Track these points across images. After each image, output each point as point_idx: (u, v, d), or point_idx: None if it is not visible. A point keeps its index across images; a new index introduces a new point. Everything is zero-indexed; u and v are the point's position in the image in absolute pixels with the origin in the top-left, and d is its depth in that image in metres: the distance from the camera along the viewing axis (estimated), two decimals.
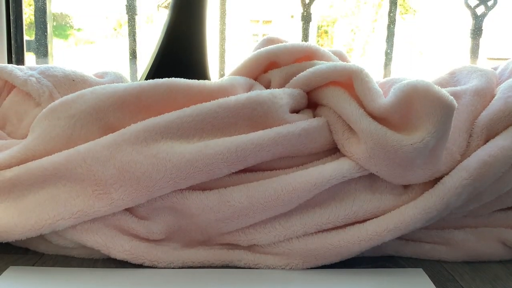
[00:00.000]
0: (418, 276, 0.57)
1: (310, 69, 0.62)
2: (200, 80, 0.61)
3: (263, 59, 0.66)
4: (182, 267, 0.58)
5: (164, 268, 0.58)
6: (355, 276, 0.57)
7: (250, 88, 0.65)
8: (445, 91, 0.54)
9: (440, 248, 0.62)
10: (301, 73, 0.62)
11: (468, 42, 1.05)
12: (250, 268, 0.59)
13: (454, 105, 0.54)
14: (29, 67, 0.67)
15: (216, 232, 0.59)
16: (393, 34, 1.04)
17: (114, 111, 0.58)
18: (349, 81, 0.60)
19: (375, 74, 1.12)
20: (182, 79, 0.60)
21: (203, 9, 0.76)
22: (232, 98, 0.59)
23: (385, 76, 1.07)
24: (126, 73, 1.07)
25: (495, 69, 0.71)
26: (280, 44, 0.66)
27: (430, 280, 0.56)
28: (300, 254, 0.58)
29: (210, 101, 0.59)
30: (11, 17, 0.89)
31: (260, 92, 0.60)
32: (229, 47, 1.10)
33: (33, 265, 0.57)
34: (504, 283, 0.56)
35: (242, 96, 0.59)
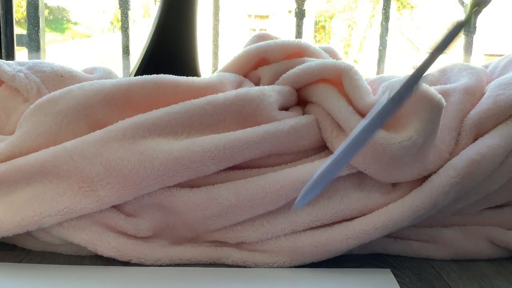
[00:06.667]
0: (385, 277, 0.57)
1: (300, 66, 0.62)
2: (189, 77, 0.61)
3: (253, 56, 0.65)
4: (170, 265, 0.58)
5: (152, 265, 0.58)
6: (341, 276, 0.57)
7: (239, 85, 0.64)
8: (433, 90, 0.54)
9: (428, 246, 0.62)
10: (291, 70, 0.62)
11: (462, 38, 1.04)
12: (237, 265, 0.59)
13: (443, 104, 0.54)
14: (17, 62, 0.67)
15: (204, 230, 0.59)
16: (387, 31, 1.04)
17: (102, 107, 0.58)
18: (339, 79, 0.60)
19: (372, 70, 1.12)
20: (171, 75, 0.60)
21: (194, 4, 0.75)
22: (220, 95, 0.58)
23: (378, 72, 1.07)
24: (119, 68, 1.07)
25: (486, 67, 0.71)
26: (270, 40, 0.66)
27: (396, 281, 0.55)
28: (288, 251, 0.58)
29: (198, 98, 0.58)
30: (1, 12, 0.89)
31: (249, 89, 0.59)
32: (225, 42, 1.09)
33: (20, 262, 0.57)
34: (491, 281, 0.56)
35: (231, 93, 0.59)
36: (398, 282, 0.55)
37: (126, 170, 0.54)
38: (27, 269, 0.55)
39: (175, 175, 0.55)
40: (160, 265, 0.58)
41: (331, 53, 0.71)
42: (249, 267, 0.58)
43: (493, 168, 0.58)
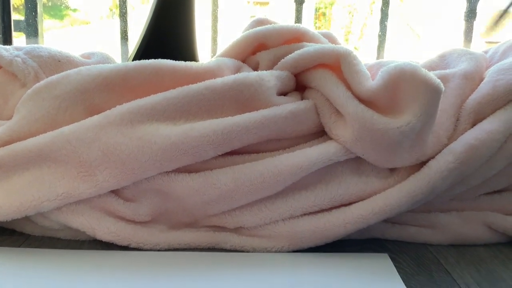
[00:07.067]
0: (382, 261, 0.57)
1: (298, 51, 0.61)
2: (187, 62, 0.60)
3: (251, 41, 0.65)
4: (168, 249, 0.58)
5: (150, 250, 0.58)
6: (339, 261, 0.57)
7: (237, 70, 0.64)
8: (432, 75, 0.54)
9: (425, 231, 0.62)
10: (289, 55, 0.62)
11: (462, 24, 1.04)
12: (236, 250, 0.59)
13: (441, 89, 0.54)
14: (15, 47, 0.66)
15: (203, 214, 0.59)
16: (387, 16, 1.04)
17: (99, 92, 0.58)
18: (337, 64, 0.59)
19: (373, 57, 1.12)
20: (169, 60, 0.60)
21: None
22: (218, 80, 0.58)
23: (378, 58, 1.06)
24: (117, 54, 1.06)
25: (486, 52, 0.71)
26: (269, 25, 0.65)
27: (394, 266, 0.56)
28: (286, 236, 0.58)
29: (196, 83, 0.58)
30: None
31: (248, 74, 0.59)
32: (225, 28, 1.09)
33: (19, 246, 0.57)
34: (489, 266, 0.57)
35: (229, 78, 0.58)
36: (396, 266, 0.55)
37: (124, 155, 0.54)
38: (26, 253, 0.56)
39: (173, 160, 0.55)
40: (159, 250, 0.58)
41: (330, 38, 0.71)
42: (248, 252, 0.58)
43: (492, 153, 0.58)
